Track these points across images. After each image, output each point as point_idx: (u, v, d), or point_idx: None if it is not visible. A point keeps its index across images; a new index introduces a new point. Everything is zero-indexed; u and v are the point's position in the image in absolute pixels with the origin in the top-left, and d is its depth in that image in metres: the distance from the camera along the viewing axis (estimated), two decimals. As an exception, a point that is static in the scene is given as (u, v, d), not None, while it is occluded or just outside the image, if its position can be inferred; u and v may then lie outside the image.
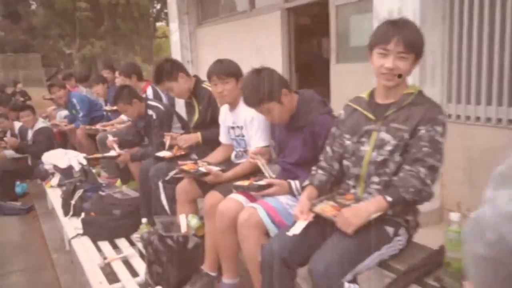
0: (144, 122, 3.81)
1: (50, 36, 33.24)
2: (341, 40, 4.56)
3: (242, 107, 2.54)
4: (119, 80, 4.88)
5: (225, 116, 2.90)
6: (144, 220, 3.18)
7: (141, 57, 23.64)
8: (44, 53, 38.35)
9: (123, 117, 5.04)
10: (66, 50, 33.38)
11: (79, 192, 3.81)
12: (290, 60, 5.61)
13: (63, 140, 5.92)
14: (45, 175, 4.85)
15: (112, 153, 3.86)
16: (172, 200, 3.03)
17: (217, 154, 2.99)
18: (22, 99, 11.85)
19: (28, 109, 5.12)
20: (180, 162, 2.85)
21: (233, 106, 2.79)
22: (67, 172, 4.80)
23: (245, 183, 2.31)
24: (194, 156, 3.23)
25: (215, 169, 2.64)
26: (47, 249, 3.94)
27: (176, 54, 8.10)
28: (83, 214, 3.40)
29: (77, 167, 4.85)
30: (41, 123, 5.16)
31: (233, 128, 2.83)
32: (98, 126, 5.41)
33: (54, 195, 4.54)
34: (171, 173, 2.97)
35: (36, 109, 7.37)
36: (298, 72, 5.76)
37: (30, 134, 5.25)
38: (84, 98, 5.69)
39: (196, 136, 3.22)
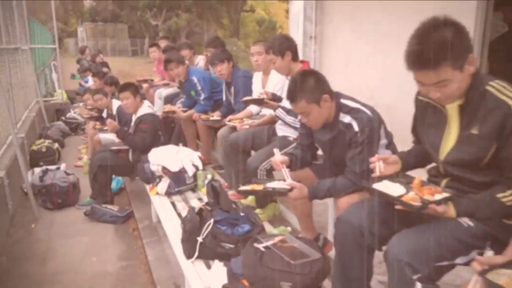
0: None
1: (138, 7, 33.34)
2: None
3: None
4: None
5: None
6: None
7: (229, 32, 22.53)
8: (131, 24, 39.01)
9: (252, 108, 3.75)
10: (152, 22, 33.31)
11: (208, 224, 2.54)
12: (483, 40, 3.89)
13: (167, 132, 4.78)
14: (150, 178, 3.70)
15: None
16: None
17: None
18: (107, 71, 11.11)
19: (129, 89, 3.95)
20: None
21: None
22: (178, 176, 3.62)
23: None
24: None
25: None
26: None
27: (295, 27, 6.64)
28: (225, 275, 2.12)
29: (190, 171, 3.65)
30: (146, 108, 4.00)
31: None
32: (216, 115, 4.16)
33: (161, 206, 3.40)
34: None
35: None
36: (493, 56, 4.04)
37: (133, 119, 4.11)
38: (206, 75, 4.46)
39: None
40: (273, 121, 3.47)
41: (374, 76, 4.77)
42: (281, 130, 3.15)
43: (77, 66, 11.22)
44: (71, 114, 7.74)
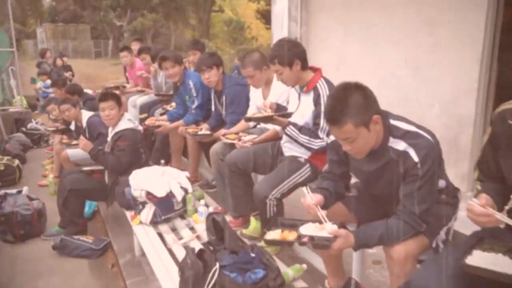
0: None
1: (101, 7, 32.05)
2: None
3: None
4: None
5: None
6: None
7: (198, 32, 21.87)
8: (93, 25, 37.52)
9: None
10: (116, 22, 32.10)
11: (214, 271, 2.07)
12: (494, 39, 3.59)
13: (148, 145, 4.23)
14: (132, 205, 3.17)
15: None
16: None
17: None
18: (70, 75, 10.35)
19: (113, 98, 3.39)
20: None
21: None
22: (166, 202, 3.11)
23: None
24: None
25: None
26: None
27: (278, 28, 6.24)
28: None
29: (179, 195, 3.15)
30: (126, 122, 3.44)
31: None
32: (204, 128, 3.65)
33: (146, 238, 2.92)
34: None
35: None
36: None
37: (109, 133, 3.55)
38: (202, 81, 3.95)
39: None
40: (277, 137, 3.02)
41: (370, 80, 4.41)
42: (289, 149, 2.69)
43: (37, 70, 10.39)
44: (33, 124, 7.00)
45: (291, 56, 2.49)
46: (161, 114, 4.72)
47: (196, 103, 3.88)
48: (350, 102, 1.62)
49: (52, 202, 3.80)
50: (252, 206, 2.91)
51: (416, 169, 1.59)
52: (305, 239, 1.64)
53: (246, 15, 36.20)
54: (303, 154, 2.62)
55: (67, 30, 37.10)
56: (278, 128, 3.01)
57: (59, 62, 10.30)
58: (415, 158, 1.59)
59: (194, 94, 3.87)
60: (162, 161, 4.12)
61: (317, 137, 2.49)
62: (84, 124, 4.45)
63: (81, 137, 3.53)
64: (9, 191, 3.96)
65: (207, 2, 22.09)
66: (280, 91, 3.00)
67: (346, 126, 1.62)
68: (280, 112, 2.74)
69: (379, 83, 4.33)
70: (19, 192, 3.96)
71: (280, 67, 2.54)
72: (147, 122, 4.03)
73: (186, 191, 3.23)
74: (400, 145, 1.65)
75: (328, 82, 2.55)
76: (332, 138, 1.94)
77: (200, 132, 3.53)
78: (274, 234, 1.77)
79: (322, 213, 1.74)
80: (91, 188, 3.46)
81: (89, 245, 3.37)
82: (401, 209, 1.66)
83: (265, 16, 26.24)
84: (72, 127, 4.71)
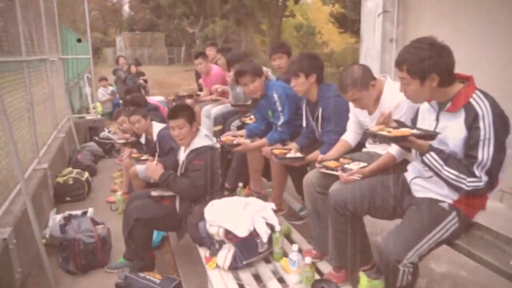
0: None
1: (175, 15, 32.96)
2: None
3: None
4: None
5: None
6: None
7: (270, 37, 21.42)
8: (167, 33, 38.79)
9: (350, 138, 2.56)
10: (189, 30, 32.82)
11: None
12: None
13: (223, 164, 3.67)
14: (207, 242, 2.59)
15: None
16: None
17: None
18: (143, 82, 10.25)
19: (183, 114, 2.82)
20: None
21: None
22: (248, 243, 2.49)
23: None
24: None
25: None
26: None
27: (370, 28, 5.45)
28: None
29: (265, 235, 2.52)
30: (203, 139, 2.87)
31: None
32: (293, 148, 2.99)
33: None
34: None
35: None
36: None
37: (182, 154, 3.02)
38: (289, 91, 3.26)
39: None
40: (392, 164, 2.29)
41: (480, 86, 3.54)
42: (422, 187, 1.93)
43: (114, 78, 10.46)
44: (105, 133, 6.81)
45: (430, 67, 1.76)
46: (238, 128, 4.16)
47: (282, 119, 3.22)
48: None
49: (119, 222, 3.36)
50: (363, 259, 2.20)
51: None
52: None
53: (317, 20, 35.30)
54: (446, 197, 1.85)
55: (144, 38, 38.75)
56: (395, 152, 2.27)
57: (133, 69, 10.29)
58: None
59: (279, 109, 3.22)
60: (240, 184, 3.54)
61: (471, 174, 1.73)
62: (155, 138, 4.02)
63: (148, 163, 3.02)
64: (73, 212, 3.59)
65: (279, 7, 21.58)
66: (393, 102, 2.25)
67: None
68: (403, 128, 1.97)
69: (493, 88, 3.42)
70: (84, 213, 3.58)
71: (409, 78, 1.82)
72: (224, 138, 3.45)
73: (272, 228, 2.60)
74: None
75: (486, 95, 1.78)
76: None
77: (289, 155, 2.87)
78: None
79: None
80: (160, 217, 2.94)
81: (156, 286, 2.84)
82: None
83: (339, 20, 25.20)
84: (143, 140, 4.30)
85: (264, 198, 3.17)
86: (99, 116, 8.04)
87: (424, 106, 1.99)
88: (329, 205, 2.22)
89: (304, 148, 3.03)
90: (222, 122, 4.52)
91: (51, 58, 5.99)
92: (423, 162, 1.82)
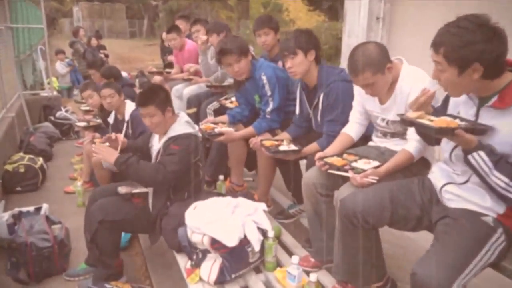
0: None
1: (137, -14, 31.32)
2: None
3: None
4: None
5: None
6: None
7: (238, 13, 20.69)
8: (128, 4, 36.90)
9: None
10: (152, 2, 31.30)
11: None
12: None
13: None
14: (188, 251, 2.19)
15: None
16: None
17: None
18: (104, 56, 9.47)
19: (154, 101, 2.28)
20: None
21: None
22: (238, 253, 2.12)
23: None
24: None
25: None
26: None
27: (354, 5, 5.09)
28: None
29: (256, 244, 2.16)
30: (184, 126, 2.41)
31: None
32: (286, 139, 2.60)
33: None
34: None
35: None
36: None
37: (156, 143, 2.56)
38: (279, 72, 2.82)
39: None
40: (411, 161, 1.96)
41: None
42: (458, 197, 1.60)
43: (71, 50, 9.61)
44: (62, 112, 6.14)
45: (473, 54, 1.41)
46: (215, 112, 3.72)
47: (271, 106, 2.81)
48: None
49: (79, 216, 2.90)
50: (376, 274, 1.89)
51: None
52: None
53: (285, -4, 34.61)
54: (489, 210, 1.53)
55: (103, 9, 36.70)
56: (413, 149, 1.94)
57: (94, 42, 9.47)
58: None
59: (268, 93, 2.80)
60: (221, 177, 3.14)
61: None
62: (127, 117, 3.50)
63: (98, 142, 2.54)
64: (24, 209, 3.07)
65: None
66: (412, 92, 1.91)
67: None
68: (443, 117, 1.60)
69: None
70: (37, 210, 3.07)
71: (445, 63, 1.47)
72: (203, 126, 3.00)
73: (264, 233, 2.23)
74: None
75: None
76: None
77: (282, 147, 2.48)
78: None
79: None
80: (129, 218, 2.48)
81: (125, 298, 2.43)
82: None
83: (309, -5, 24.60)
84: (111, 120, 3.75)
85: (248, 194, 2.77)
86: (55, 93, 7.31)
87: (460, 98, 1.65)
88: (336, 212, 1.86)
89: (297, 139, 2.66)
90: (196, 104, 4.06)
91: (-3, 26, 5.26)
92: (467, 162, 1.48)
